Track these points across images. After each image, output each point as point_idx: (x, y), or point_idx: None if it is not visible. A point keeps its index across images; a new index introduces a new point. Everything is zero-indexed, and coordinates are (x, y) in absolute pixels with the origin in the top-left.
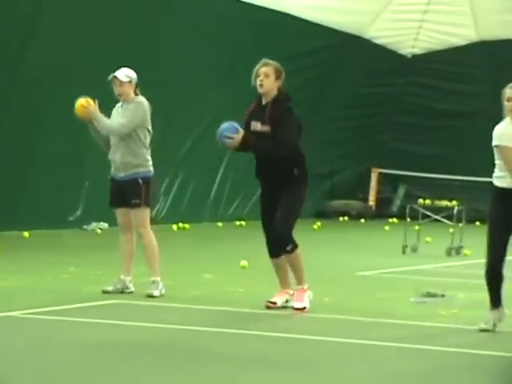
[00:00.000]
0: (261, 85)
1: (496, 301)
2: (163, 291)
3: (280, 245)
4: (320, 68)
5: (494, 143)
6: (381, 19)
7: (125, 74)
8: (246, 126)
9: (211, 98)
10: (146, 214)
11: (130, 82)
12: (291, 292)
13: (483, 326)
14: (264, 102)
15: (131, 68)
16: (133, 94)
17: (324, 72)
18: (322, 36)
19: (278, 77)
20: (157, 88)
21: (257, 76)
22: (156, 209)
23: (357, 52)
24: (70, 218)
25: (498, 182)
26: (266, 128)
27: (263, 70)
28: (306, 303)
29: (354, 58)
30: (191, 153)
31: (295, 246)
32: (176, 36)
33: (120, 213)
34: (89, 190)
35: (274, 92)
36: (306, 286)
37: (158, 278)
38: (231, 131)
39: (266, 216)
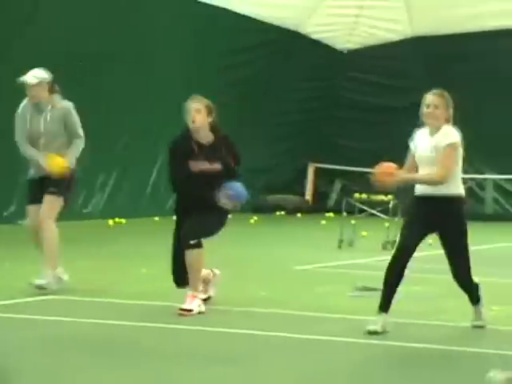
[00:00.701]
0: (193, 121)
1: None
2: (56, 285)
3: (187, 237)
4: (258, 63)
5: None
6: (317, 14)
7: (33, 76)
8: (182, 166)
9: (143, 92)
10: (57, 204)
11: (41, 82)
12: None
13: (372, 327)
14: (201, 141)
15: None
16: (46, 95)
17: (262, 67)
18: (260, 31)
19: (209, 113)
20: (86, 84)
21: (188, 112)
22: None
23: (294, 47)
24: (5, 214)
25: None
26: (217, 166)
27: (194, 105)
28: (193, 307)
29: (292, 53)
30: (128, 147)
31: (199, 245)
32: (118, 32)
33: (34, 210)
34: (23, 186)
35: (207, 128)
36: (197, 294)
37: (54, 272)
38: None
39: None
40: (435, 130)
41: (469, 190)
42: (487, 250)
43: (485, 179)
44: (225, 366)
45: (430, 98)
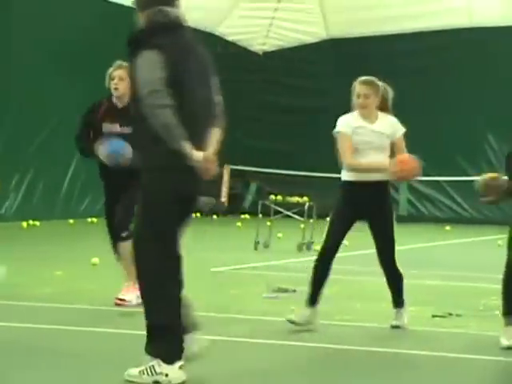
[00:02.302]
0: (116, 88)
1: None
2: None
3: (118, 229)
4: None
5: (335, 130)
6: (232, 16)
7: None
8: (95, 128)
9: (62, 94)
10: None
11: None
12: None
13: (291, 317)
14: (120, 105)
15: None
16: None
17: None
18: None
19: None
20: (5, 85)
21: (111, 79)
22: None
23: (208, 48)
24: None
25: (346, 177)
26: (128, 130)
27: (117, 72)
28: (131, 298)
29: None
30: (42, 149)
31: (130, 237)
32: (23, 27)
33: None
34: None
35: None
36: (135, 286)
37: None
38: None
39: (110, 211)
40: (374, 116)
41: None
42: (401, 252)
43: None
44: None
45: (359, 87)
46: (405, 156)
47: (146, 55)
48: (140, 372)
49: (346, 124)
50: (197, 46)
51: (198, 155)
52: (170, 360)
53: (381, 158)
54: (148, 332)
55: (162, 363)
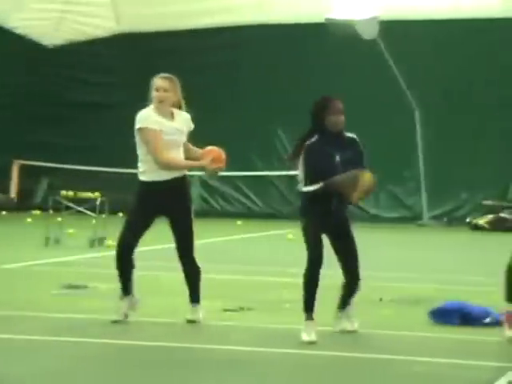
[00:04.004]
0: None
1: (127, 289)
2: None
3: None
4: None
5: (137, 127)
6: (22, 9)
7: None
8: None
9: None
10: None
11: None
12: None
13: (114, 317)
14: None
15: None
16: None
17: None
18: None
19: None
20: None
21: None
22: None
23: None
24: None
25: (142, 177)
26: None
27: None
28: None
29: None
30: None
31: None
32: None
33: None
34: None
35: None
36: None
37: None
38: None
39: None
40: (170, 113)
41: None
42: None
43: (191, 176)
44: None
45: (160, 81)
46: (209, 148)
47: None
48: None
49: (154, 120)
50: None
51: None
52: None
53: (179, 155)
54: None
55: None
